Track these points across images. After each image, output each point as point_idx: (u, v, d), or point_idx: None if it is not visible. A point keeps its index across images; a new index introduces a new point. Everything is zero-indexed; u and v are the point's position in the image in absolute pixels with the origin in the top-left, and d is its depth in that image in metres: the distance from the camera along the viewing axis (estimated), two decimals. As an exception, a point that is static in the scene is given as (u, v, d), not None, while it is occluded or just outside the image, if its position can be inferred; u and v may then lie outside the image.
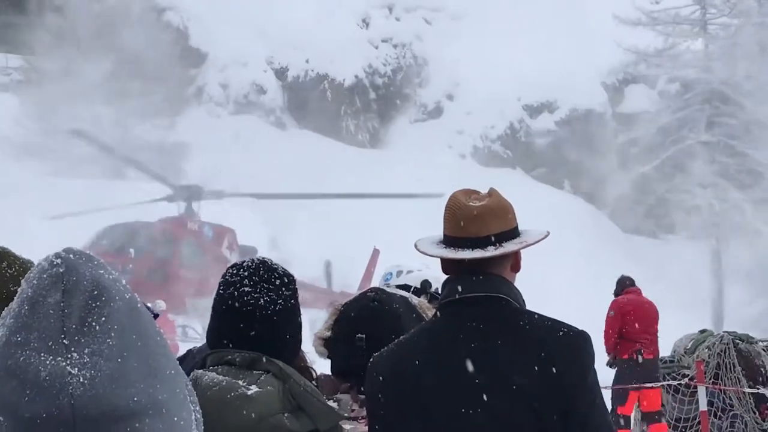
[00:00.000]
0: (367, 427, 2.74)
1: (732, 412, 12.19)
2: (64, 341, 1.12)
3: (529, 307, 2.60)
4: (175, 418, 1.17)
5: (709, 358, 12.13)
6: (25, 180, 27.85)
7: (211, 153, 33.85)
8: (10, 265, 2.20)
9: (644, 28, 35.72)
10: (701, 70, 35.69)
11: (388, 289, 3.29)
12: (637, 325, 12.14)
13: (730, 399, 12.19)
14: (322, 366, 3.21)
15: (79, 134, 25.08)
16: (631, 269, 35.62)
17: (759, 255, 35.09)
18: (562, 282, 30.33)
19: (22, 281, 1.18)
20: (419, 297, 3.54)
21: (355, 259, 27.03)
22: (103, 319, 1.14)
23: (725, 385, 12.01)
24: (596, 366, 2.52)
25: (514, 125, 41.41)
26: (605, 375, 10.52)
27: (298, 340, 2.58)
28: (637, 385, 11.91)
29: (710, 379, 11.85)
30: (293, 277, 2.59)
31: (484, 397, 2.41)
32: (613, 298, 12.95)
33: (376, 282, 4.74)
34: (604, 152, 38.53)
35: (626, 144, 37.50)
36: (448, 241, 2.56)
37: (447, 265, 2.60)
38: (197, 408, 1.25)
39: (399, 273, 4.40)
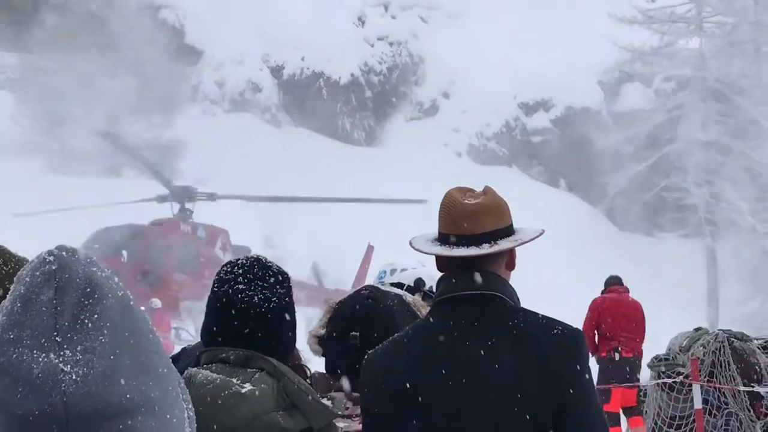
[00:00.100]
0: (360, 425, 2.74)
1: (727, 410, 12.21)
2: (57, 339, 1.12)
3: (524, 305, 2.60)
4: (168, 416, 1.17)
5: (704, 356, 12.15)
6: (20, 177, 27.80)
7: (207, 151, 33.84)
8: (5, 263, 2.20)
9: (640, 26, 35.76)
10: (697, 69, 35.74)
11: (382, 288, 3.29)
12: (613, 323, 12.12)
13: (725, 397, 12.21)
14: (316, 364, 3.21)
15: (107, 136, 24.93)
16: (626, 267, 35.80)
17: (754, 253, 35.17)
18: (558, 280, 30.36)
19: (15, 279, 1.18)
20: (413, 295, 3.54)
21: (349, 257, 27.03)
22: (96, 316, 1.14)
23: (720, 383, 12.03)
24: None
25: (509, 123, 41.42)
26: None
27: (293, 338, 2.58)
28: (609, 386, 11.90)
29: (705, 377, 11.87)
30: (288, 275, 2.59)
31: (479, 394, 2.41)
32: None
33: (370, 278, 4.73)
34: (599, 150, 38.56)
35: (622, 142, 37.53)
36: (443, 238, 2.56)
37: (442, 262, 2.60)
38: (190, 406, 1.25)
39: (393, 271, 4.39)
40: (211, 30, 38.51)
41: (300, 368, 2.60)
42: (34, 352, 1.11)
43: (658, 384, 12.80)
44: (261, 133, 37.45)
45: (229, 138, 35.44)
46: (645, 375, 13.69)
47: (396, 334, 2.63)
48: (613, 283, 12.84)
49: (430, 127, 40.95)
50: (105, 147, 32.45)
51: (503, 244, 2.53)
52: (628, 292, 12.91)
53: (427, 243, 2.59)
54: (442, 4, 43.59)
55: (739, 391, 12.04)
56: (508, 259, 2.61)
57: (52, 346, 1.12)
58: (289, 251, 27.89)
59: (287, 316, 2.54)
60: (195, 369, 2.42)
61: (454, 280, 2.55)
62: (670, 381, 12.34)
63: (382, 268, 4.54)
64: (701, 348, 12.36)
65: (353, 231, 28.95)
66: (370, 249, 26.73)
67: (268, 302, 2.49)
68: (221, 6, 38.56)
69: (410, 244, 2.62)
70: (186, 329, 22.25)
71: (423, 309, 3.14)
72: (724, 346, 12.17)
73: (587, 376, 2.45)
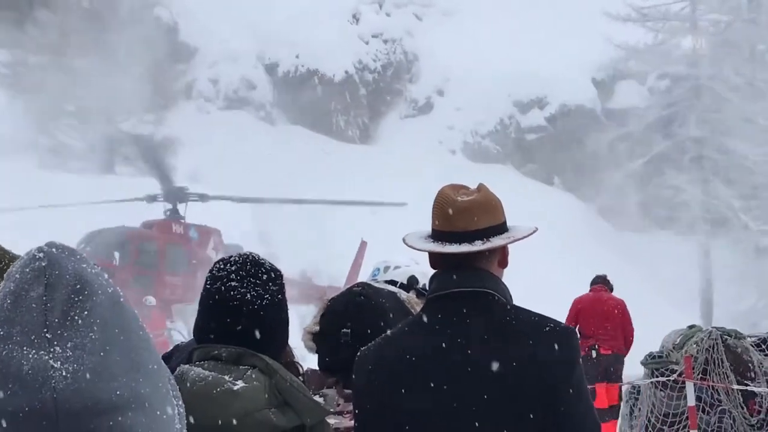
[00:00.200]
0: (352, 422, 2.74)
1: (720, 408, 12.23)
2: (47, 335, 1.12)
3: (518, 303, 2.60)
4: (158, 412, 1.17)
5: (697, 353, 12.17)
6: (13, 174, 27.75)
7: (201, 149, 33.81)
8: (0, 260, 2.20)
9: (634, 24, 35.78)
10: (691, 67, 35.77)
11: (376, 285, 3.29)
12: (589, 321, 12.14)
13: (719, 394, 12.24)
14: (311, 361, 3.21)
15: (133, 139, 24.85)
16: (620, 265, 35.88)
17: (748, 251, 35.24)
18: (552, 278, 30.36)
19: (5, 275, 1.18)
20: (408, 293, 3.54)
21: (343, 253, 27.04)
22: (86, 313, 1.14)
23: (713, 381, 12.05)
24: None
25: (504, 121, 41.45)
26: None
27: (285, 335, 2.58)
28: (589, 386, 11.95)
29: (698, 374, 11.89)
30: (280, 272, 2.58)
31: (469, 391, 2.42)
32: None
33: (364, 274, 4.74)
34: (594, 148, 38.60)
35: (616, 140, 37.58)
36: (436, 235, 2.56)
37: (434, 259, 2.60)
38: (180, 402, 1.25)
39: (386, 268, 4.39)
40: (206, 27, 38.48)
41: (292, 365, 2.60)
42: (24, 348, 1.11)
43: (651, 381, 12.82)
44: (255, 131, 37.45)
45: (223, 135, 35.43)
46: (636, 373, 13.71)
47: (389, 331, 2.63)
48: (597, 282, 12.89)
49: (425, 124, 40.97)
50: (98, 144, 32.43)
51: (496, 242, 2.53)
52: (611, 291, 12.91)
53: (420, 240, 2.59)
54: (436, 2, 43.62)
55: (732, 388, 12.07)
56: (501, 256, 2.61)
57: (42, 342, 1.12)
58: (282, 248, 27.90)
59: (280, 314, 2.54)
60: (187, 366, 2.42)
61: (446, 278, 2.55)
62: (663, 379, 12.37)
63: (376, 266, 4.55)
64: (695, 345, 12.39)
65: (347, 228, 28.96)
66: (363, 245, 26.73)
67: (260, 299, 2.48)
68: (215, 3, 38.54)
69: (403, 240, 2.62)
70: (178, 330, 22.11)
71: (417, 306, 3.14)
72: (717, 343, 12.19)
73: (579, 372, 2.46)
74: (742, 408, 12.24)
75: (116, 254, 22.39)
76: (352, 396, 2.67)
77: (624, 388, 14.04)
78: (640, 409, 13.57)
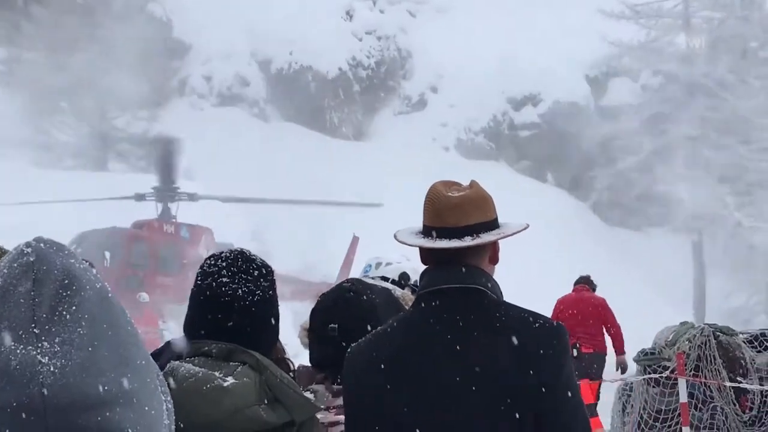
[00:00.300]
0: (337, 417, 2.75)
1: (712, 404, 12.26)
2: (35, 330, 1.12)
3: (510, 299, 2.61)
4: (146, 408, 1.17)
5: (689, 350, 12.20)
6: (6, 171, 27.71)
7: (194, 145, 33.76)
8: (-7, 256, 2.19)
9: (627, 21, 35.80)
10: (684, 64, 35.80)
11: (369, 281, 3.29)
12: (569, 320, 12.20)
13: (711, 391, 12.27)
14: (305, 357, 3.21)
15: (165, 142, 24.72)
16: (613, 262, 35.92)
17: (741, 248, 35.29)
18: (545, 275, 30.37)
19: (-7, 271, 1.18)
20: (402, 290, 3.54)
21: (335, 250, 27.03)
22: (74, 308, 1.14)
23: (706, 378, 12.08)
24: None
25: (497, 118, 41.47)
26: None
27: (276, 332, 2.57)
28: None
29: (691, 371, 11.91)
30: (271, 268, 2.58)
31: (459, 388, 2.42)
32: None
33: (356, 270, 4.76)
34: (587, 145, 38.63)
35: (609, 137, 37.60)
36: (427, 231, 2.57)
37: (425, 255, 2.61)
38: (168, 398, 1.25)
39: (378, 265, 4.40)
40: (199, 24, 38.42)
41: (283, 362, 2.59)
42: (12, 344, 1.11)
43: (644, 378, 12.85)
44: (249, 128, 37.40)
45: (217, 132, 35.39)
46: (631, 370, 13.74)
47: (379, 327, 2.64)
48: (579, 282, 12.98)
49: (418, 121, 40.97)
50: (92, 141, 32.36)
51: (486, 237, 2.54)
52: (593, 291, 12.97)
53: (411, 235, 2.60)
54: (429, -1, 43.62)
55: (724, 385, 12.09)
56: (492, 253, 2.61)
57: (29, 337, 1.11)
58: (276, 246, 27.87)
59: (271, 310, 2.54)
60: (177, 362, 2.42)
61: (437, 274, 2.55)
62: (656, 375, 12.39)
63: (368, 262, 4.56)
64: (687, 342, 12.41)
65: (339, 224, 28.94)
66: (355, 240, 26.71)
67: (252, 295, 2.48)
68: (209, 0, 38.47)
69: (394, 236, 2.63)
70: (170, 331, 21.99)
71: (411, 303, 3.14)
72: (709, 340, 12.21)
73: (568, 369, 2.46)
74: (734, 404, 12.27)
75: (107, 255, 22.26)
76: (342, 392, 2.67)
77: (616, 385, 14.07)
78: (632, 405, 13.60)
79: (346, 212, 29.50)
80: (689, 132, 35.34)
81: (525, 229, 2.61)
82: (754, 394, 12.36)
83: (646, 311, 27.47)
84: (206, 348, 2.44)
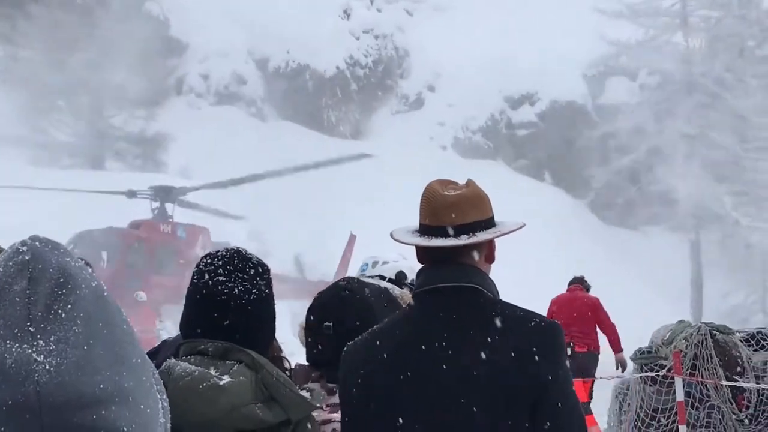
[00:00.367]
0: (331, 415, 2.75)
1: (709, 403, 12.27)
2: (30, 329, 1.12)
3: (508, 298, 2.61)
4: (142, 406, 1.17)
5: (686, 349, 12.21)
6: (4, 170, 27.68)
7: (192, 144, 33.77)
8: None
9: (625, 20, 35.81)
10: (681, 63, 35.82)
11: (370, 280, 3.29)
12: (562, 319, 12.25)
13: (708, 390, 12.28)
14: (301, 356, 3.21)
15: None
16: (611, 261, 35.89)
17: (738, 247, 35.33)
18: (542, 273, 30.40)
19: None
20: (400, 288, 3.54)
21: (333, 248, 27.04)
22: (69, 306, 1.14)
23: (702, 377, 12.10)
24: None
25: (495, 117, 41.49)
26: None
27: (272, 330, 2.57)
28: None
29: (687, 370, 11.93)
30: (267, 267, 2.58)
31: (456, 386, 2.42)
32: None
33: (353, 269, 4.76)
34: (584, 144, 38.67)
35: (606, 136, 37.64)
36: (423, 229, 2.57)
37: (421, 254, 2.61)
38: (164, 396, 1.25)
39: (375, 264, 4.41)
40: (196, 22, 38.40)
41: (279, 360, 2.60)
42: (7, 342, 1.11)
43: (640, 377, 12.86)
44: (246, 126, 37.39)
45: (214, 131, 35.37)
46: (628, 369, 13.75)
47: (376, 326, 2.64)
48: (573, 282, 13.05)
49: (416, 120, 40.99)
50: (89, 139, 32.33)
51: (482, 236, 2.54)
52: (587, 291, 13.02)
53: (408, 234, 2.60)
54: (427, -3, 43.64)
55: (721, 384, 12.11)
56: (488, 251, 2.61)
57: (25, 336, 1.11)
58: (274, 244, 27.87)
59: (267, 308, 2.54)
60: (173, 361, 2.42)
61: (433, 273, 2.55)
62: (652, 374, 12.41)
63: (365, 261, 4.56)
64: (684, 341, 12.43)
65: (338, 223, 28.94)
66: (352, 239, 26.70)
67: (248, 294, 2.48)
68: (207, -2, 38.49)
69: (391, 235, 2.63)
70: (167, 331, 21.92)
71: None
72: (706, 339, 12.23)
73: (564, 367, 2.46)
74: (731, 403, 12.29)
75: (104, 255, 22.23)
76: (338, 390, 2.68)
77: (611, 383, 14.09)
78: (629, 404, 13.61)
79: (344, 210, 29.48)
80: (687, 131, 35.36)
81: (521, 227, 2.61)
82: (750, 393, 12.38)
83: (644, 310, 27.49)
84: (202, 347, 2.44)
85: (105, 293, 1.19)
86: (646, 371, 12.60)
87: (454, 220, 2.52)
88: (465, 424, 2.41)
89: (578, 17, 38.49)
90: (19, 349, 1.10)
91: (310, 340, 3.07)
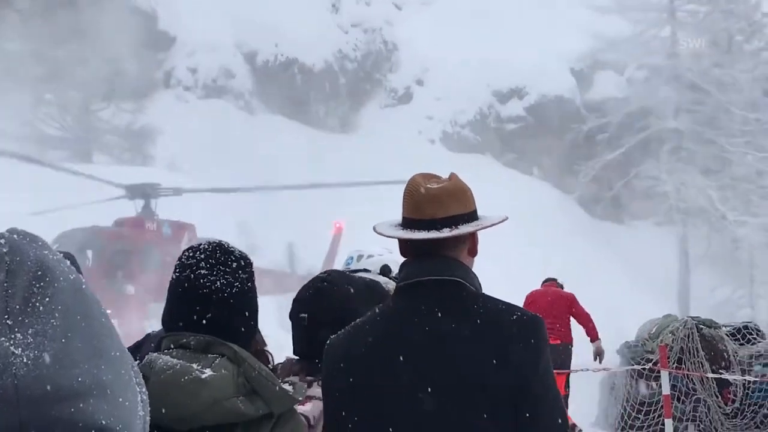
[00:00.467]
0: (308, 406, 2.76)
1: (695, 396, 12.33)
2: (8, 321, 1.11)
3: (496, 292, 2.61)
4: (120, 399, 1.17)
5: (672, 342, 12.25)
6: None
7: (180, 137, 33.69)
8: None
9: (613, 14, 35.86)
10: (669, 57, 35.89)
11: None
12: (538, 312, 12.30)
13: (694, 383, 12.33)
14: (290, 349, 3.22)
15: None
16: (598, 255, 35.92)
17: (725, 241, 35.45)
18: (530, 267, 30.46)
19: (-34, 263, 1.17)
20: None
21: (321, 243, 27.02)
22: (47, 299, 1.14)
23: (689, 370, 12.14)
24: None
25: (483, 111, 41.49)
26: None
27: (254, 324, 2.57)
28: None
29: (674, 363, 11.97)
30: (250, 260, 2.57)
31: (437, 380, 2.43)
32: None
33: (339, 262, 4.77)
34: (572, 138, 38.73)
35: (594, 130, 37.71)
36: (406, 223, 2.57)
37: (404, 248, 2.61)
38: (143, 390, 1.25)
39: (360, 257, 4.41)
40: (184, 15, 38.28)
41: (262, 354, 2.59)
42: (-15, 335, 1.11)
43: (627, 370, 12.90)
44: (234, 120, 37.31)
45: (202, 124, 35.29)
46: (615, 362, 13.78)
47: (358, 319, 2.64)
48: (547, 280, 13.18)
49: (404, 114, 40.97)
50: (77, 133, 32.22)
51: (464, 229, 2.54)
52: (560, 288, 13.13)
53: (391, 227, 2.60)
54: (416, -9, 43.58)
55: (707, 377, 12.15)
56: (471, 245, 2.61)
57: (2, 329, 1.11)
58: (261, 239, 27.84)
59: (250, 302, 2.53)
60: (155, 354, 2.41)
61: (416, 266, 2.56)
62: (639, 367, 12.45)
63: (350, 254, 4.57)
64: (670, 335, 12.47)
65: (325, 217, 28.91)
66: (338, 232, 26.68)
67: (230, 287, 2.47)
68: (194, -9, 38.36)
69: (374, 228, 2.63)
70: (153, 329, 21.72)
71: None
72: (692, 333, 12.27)
73: (546, 360, 2.47)
74: (717, 397, 12.33)
75: (89, 254, 22.12)
76: (321, 383, 2.68)
77: (600, 377, 14.13)
78: (616, 397, 13.65)
79: (331, 206, 29.46)
80: (674, 125, 35.45)
81: (504, 220, 2.61)
82: (736, 387, 12.43)
83: (631, 304, 27.56)
84: (184, 340, 2.43)
85: (83, 286, 1.19)
86: (632, 365, 12.65)
87: (437, 213, 2.52)
88: (447, 417, 2.41)
89: (566, 12, 38.54)
90: (-4, 343, 1.10)
91: (293, 332, 3.08)
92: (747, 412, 12.45)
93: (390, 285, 3.32)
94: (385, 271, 4.16)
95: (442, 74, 40.80)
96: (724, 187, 35.19)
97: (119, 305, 20.51)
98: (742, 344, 12.89)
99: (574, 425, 11.55)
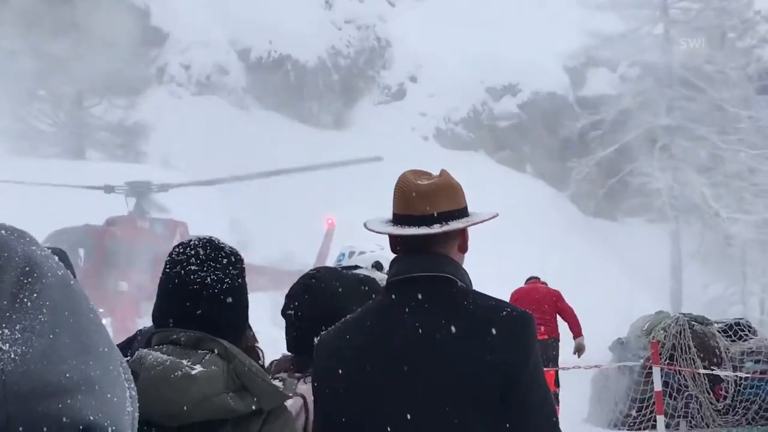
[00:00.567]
0: (288, 401, 2.76)
1: (687, 393, 12.36)
2: (-5, 317, 1.11)
3: (489, 289, 2.61)
4: (108, 395, 1.17)
5: (664, 339, 12.28)
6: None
7: (173, 134, 33.65)
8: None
9: (606, 11, 35.88)
10: (662, 54, 35.93)
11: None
12: (526, 308, 12.31)
13: (686, 380, 12.36)
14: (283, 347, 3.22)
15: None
16: (591, 252, 35.95)
17: (717, 238, 35.51)
18: (523, 265, 30.48)
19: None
20: (380, 278, 3.54)
21: (314, 238, 27.01)
22: (35, 295, 1.13)
23: (680, 366, 12.17)
24: None
25: (477, 108, 41.51)
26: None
27: (245, 320, 2.56)
28: None
29: (666, 360, 12.00)
30: (240, 256, 2.57)
31: (427, 376, 2.43)
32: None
33: (332, 258, 4.78)
34: (565, 135, 38.77)
35: (587, 127, 37.75)
36: (396, 219, 2.57)
37: (395, 244, 2.62)
38: (132, 386, 1.24)
39: (351, 254, 4.41)
40: (178, 12, 38.23)
41: (252, 350, 2.59)
42: (-28, 331, 1.10)
43: (619, 366, 12.92)
44: (227, 116, 37.28)
45: (195, 121, 35.25)
46: (606, 358, 13.80)
47: (349, 316, 2.64)
48: (530, 279, 13.19)
49: (398, 111, 40.97)
50: (69, 129, 32.16)
51: (454, 225, 2.54)
52: (544, 285, 13.14)
53: (381, 224, 2.61)
54: (409, -12, 43.56)
55: (699, 374, 12.18)
56: (461, 241, 2.61)
57: (-10, 325, 1.11)
58: (254, 236, 27.82)
59: (240, 298, 2.53)
60: (146, 350, 2.41)
61: (406, 262, 2.56)
62: (631, 364, 12.47)
63: (341, 251, 4.57)
64: (662, 331, 12.50)
65: (318, 213, 28.89)
66: (330, 228, 26.69)
67: (220, 283, 2.47)
68: (188, -12, 38.30)
69: (364, 225, 2.64)
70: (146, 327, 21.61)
71: None
72: (684, 329, 12.30)
73: (536, 356, 2.48)
74: (709, 393, 12.36)
75: (81, 253, 22.06)
76: (312, 380, 2.68)
77: (592, 373, 14.15)
78: (608, 394, 13.67)
79: (324, 201, 29.44)
80: (667, 122, 35.49)
81: (494, 217, 2.62)
82: (728, 383, 12.46)
83: (623, 301, 27.59)
84: (174, 336, 2.43)
85: (71, 282, 1.19)
86: (624, 361, 12.67)
87: (427, 209, 2.53)
88: (437, 413, 2.42)
89: (560, 9, 38.55)
90: (-17, 338, 1.10)
91: (285, 329, 3.09)
92: (738, 408, 12.49)
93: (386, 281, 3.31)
94: (376, 267, 4.16)
95: (435, 71, 40.80)
96: (716, 185, 35.25)
97: (112, 304, 20.50)
98: (733, 341, 12.92)
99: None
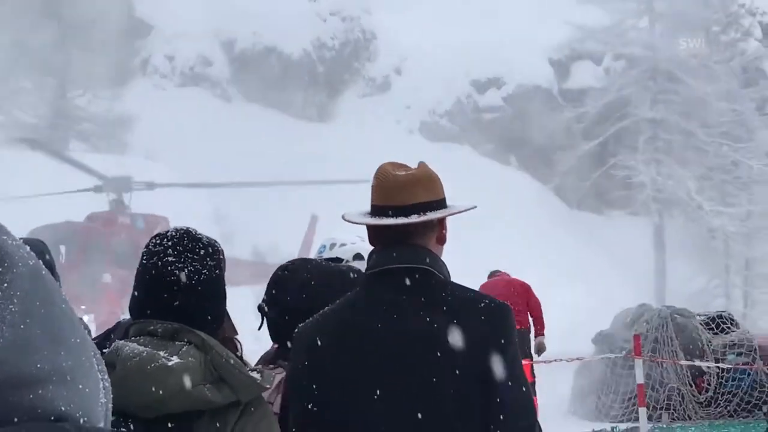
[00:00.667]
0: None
1: (669, 385, 12.41)
2: (-35, 308, 1.11)
3: (473, 282, 2.62)
4: (80, 386, 1.16)
5: (647, 331, 12.33)
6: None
7: (157, 125, 33.55)
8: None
9: (591, 4, 35.93)
10: (646, 48, 36.01)
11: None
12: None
13: (668, 372, 12.41)
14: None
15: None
16: (575, 244, 36.05)
17: (701, 231, 35.66)
18: (507, 257, 30.53)
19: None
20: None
21: (298, 232, 27.00)
22: (6, 285, 1.13)
23: (663, 359, 12.22)
24: None
25: (461, 100, 41.51)
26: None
27: (222, 311, 2.56)
28: None
29: (648, 352, 12.05)
30: (218, 246, 2.56)
31: (406, 367, 2.43)
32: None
33: (314, 251, 4.79)
34: (550, 128, 38.81)
35: (572, 120, 37.81)
36: (375, 210, 2.58)
37: (373, 236, 2.62)
38: (106, 377, 1.24)
39: (332, 246, 4.40)
40: (162, 3, 38.09)
41: (230, 341, 2.58)
42: (-58, 322, 1.10)
43: (602, 359, 12.96)
44: (212, 108, 37.20)
45: (179, 112, 35.16)
46: (589, 351, 13.85)
47: (327, 308, 2.64)
48: (494, 273, 13.13)
49: (382, 103, 40.94)
50: (53, 120, 32.03)
51: (432, 215, 2.55)
52: (505, 276, 13.10)
53: (360, 215, 2.61)
54: (394, -20, 43.44)
55: (681, 366, 12.23)
56: (439, 233, 2.62)
57: (-40, 316, 1.10)
58: (237, 229, 27.79)
59: (217, 289, 2.52)
60: (122, 341, 2.40)
61: (384, 254, 2.56)
62: (613, 356, 12.51)
63: (322, 243, 4.56)
64: (645, 324, 12.55)
65: (300, 206, 28.88)
66: (314, 221, 26.68)
67: (197, 274, 2.46)
68: (172, -22, 38.15)
69: (342, 216, 2.64)
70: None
71: None
72: (667, 322, 12.35)
73: (514, 347, 2.48)
74: (691, 386, 12.42)
75: (62, 249, 21.98)
76: (287, 371, 2.69)
77: (575, 366, 14.19)
78: (590, 386, 13.72)
79: (306, 194, 29.40)
80: (651, 115, 35.60)
81: (472, 208, 2.62)
82: (710, 375, 12.52)
83: (606, 293, 27.69)
84: (151, 327, 2.42)
85: (43, 272, 1.18)
86: (606, 353, 12.72)
87: (405, 200, 2.53)
88: (414, 405, 2.42)
89: (545, 1, 38.57)
90: (-47, 329, 1.09)
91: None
92: (721, 400, 12.55)
93: None
94: (357, 259, 4.15)
95: (420, 63, 40.78)
96: (700, 178, 35.39)
97: (95, 300, 20.46)
98: (716, 333, 12.97)
99: None
